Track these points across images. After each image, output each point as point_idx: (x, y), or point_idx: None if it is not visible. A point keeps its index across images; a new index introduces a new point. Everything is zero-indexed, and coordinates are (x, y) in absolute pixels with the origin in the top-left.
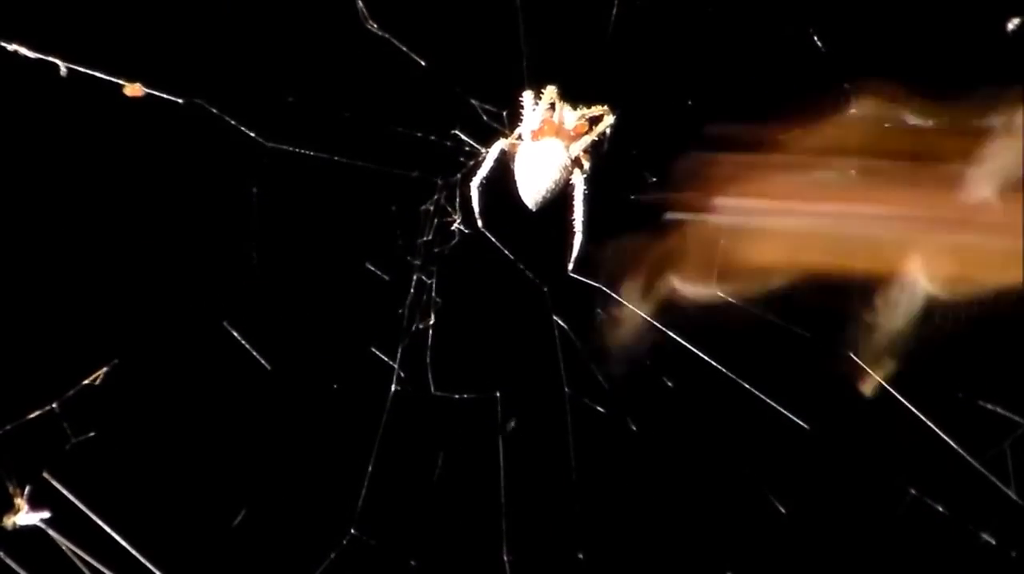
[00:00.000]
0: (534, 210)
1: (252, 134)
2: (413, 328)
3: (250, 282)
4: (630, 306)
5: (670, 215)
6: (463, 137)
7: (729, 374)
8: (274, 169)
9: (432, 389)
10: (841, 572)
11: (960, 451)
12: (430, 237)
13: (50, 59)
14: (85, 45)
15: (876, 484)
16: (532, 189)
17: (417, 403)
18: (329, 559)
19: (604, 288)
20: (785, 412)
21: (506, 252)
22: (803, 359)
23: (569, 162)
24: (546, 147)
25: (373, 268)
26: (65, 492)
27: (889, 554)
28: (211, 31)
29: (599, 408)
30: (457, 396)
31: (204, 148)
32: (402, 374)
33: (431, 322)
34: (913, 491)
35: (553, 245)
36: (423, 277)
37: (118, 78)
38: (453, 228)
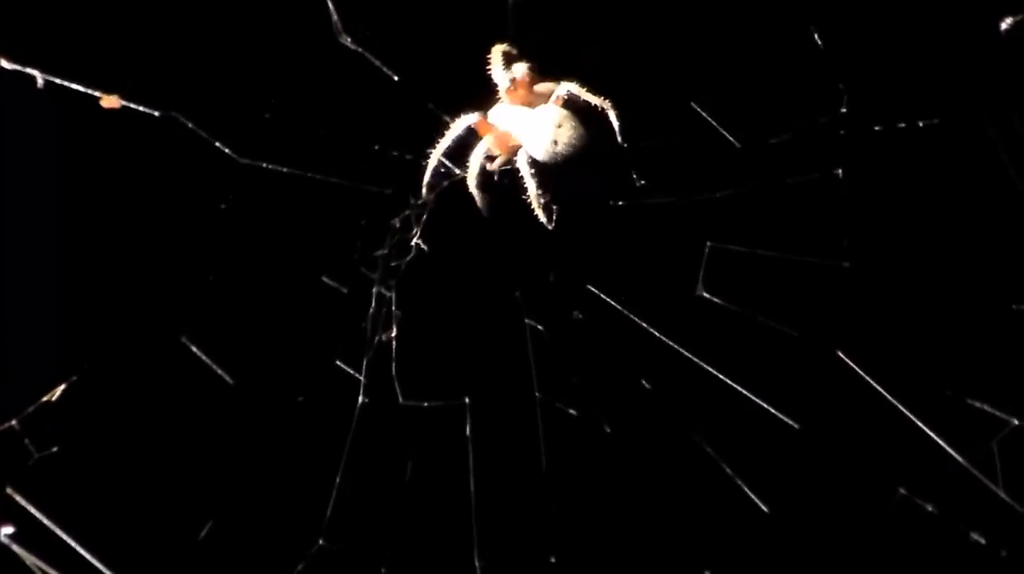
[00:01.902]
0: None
1: (227, 150)
2: (382, 337)
3: (213, 297)
4: (612, 307)
5: (656, 217)
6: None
7: (714, 373)
8: (245, 185)
9: (400, 398)
10: (830, 572)
11: (949, 450)
12: (394, 249)
13: (28, 71)
14: (63, 57)
15: (864, 483)
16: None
17: (384, 413)
18: (297, 570)
19: (590, 288)
20: (772, 410)
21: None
22: (790, 358)
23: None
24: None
25: (333, 282)
26: (29, 508)
27: (878, 553)
28: (190, 45)
29: (572, 411)
30: (426, 404)
31: (177, 162)
32: (365, 381)
33: (394, 334)
34: (902, 490)
35: (525, 249)
36: (382, 290)
37: (95, 90)
38: (412, 243)
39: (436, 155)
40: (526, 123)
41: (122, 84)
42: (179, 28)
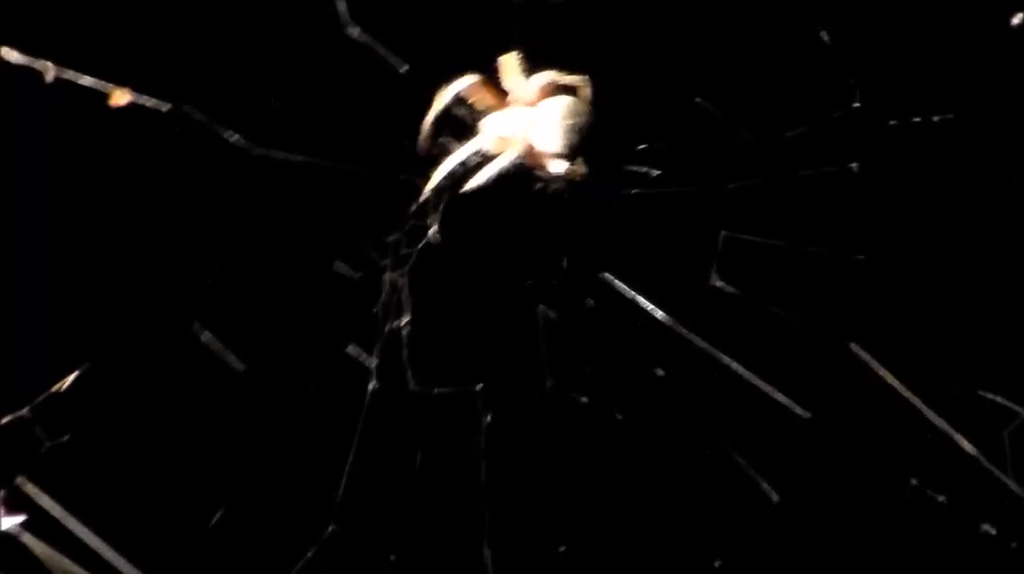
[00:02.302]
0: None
1: (241, 141)
2: (394, 324)
3: (225, 285)
4: (625, 294)
5: (670, 208)
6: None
7: (726, 362)
8: (257, 174)
9: (411, 384)
10: (841, 563)
11: (960, 441)
12: (407, 236)
13: (39, 63)
14: (72, 50)
15: (875, 473)
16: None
17: (395, 399)
18: (308, 556)
19: (603, 276)
20: (784, 400)
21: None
22: (802, 348)
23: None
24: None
25: (345, 270)
26: (41, 497)
27: (888, 544)
28: (199, 36)
29: (583, 398)
30: (437, 390)
31: (189, 154)
32: (377, 367)
33: (406, 320)
34: (913, 481)
35: (538, 237)
36: (395, 277)
37: (104, 84)
38: (430, 234)
39: (446, 169)
40: (550, 121)
41: (130, 78)
42: (187, 19)
